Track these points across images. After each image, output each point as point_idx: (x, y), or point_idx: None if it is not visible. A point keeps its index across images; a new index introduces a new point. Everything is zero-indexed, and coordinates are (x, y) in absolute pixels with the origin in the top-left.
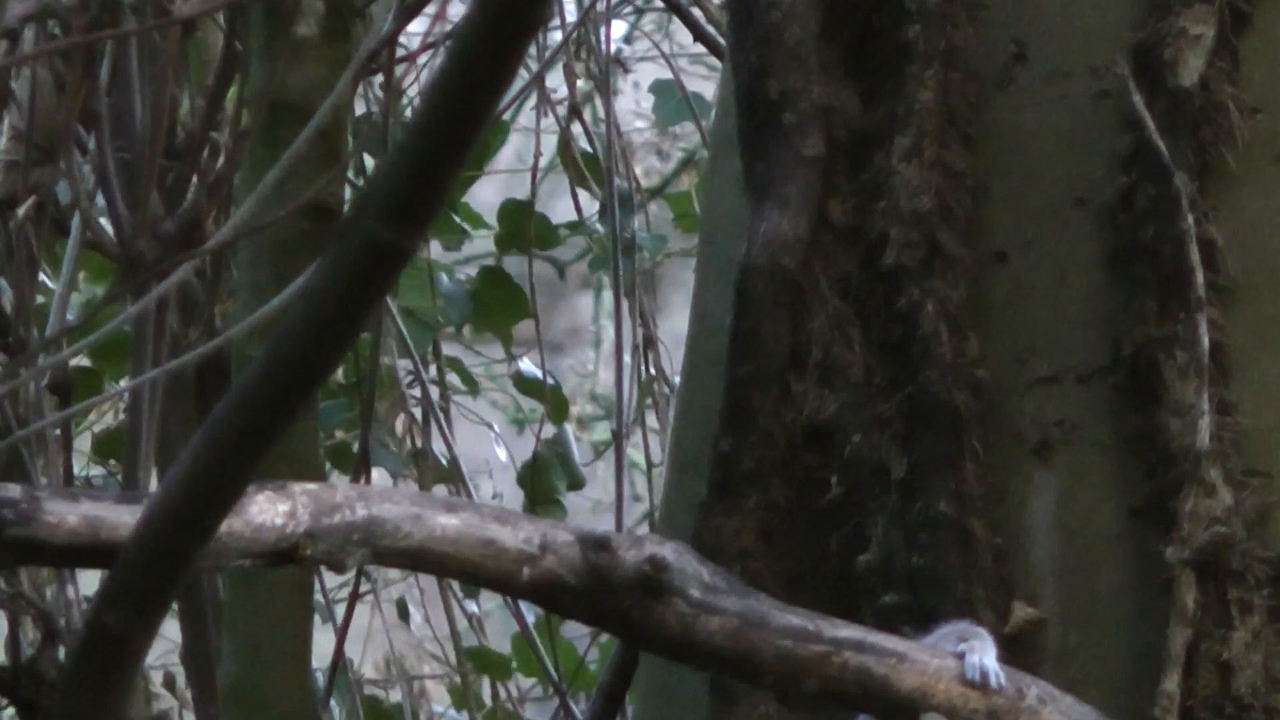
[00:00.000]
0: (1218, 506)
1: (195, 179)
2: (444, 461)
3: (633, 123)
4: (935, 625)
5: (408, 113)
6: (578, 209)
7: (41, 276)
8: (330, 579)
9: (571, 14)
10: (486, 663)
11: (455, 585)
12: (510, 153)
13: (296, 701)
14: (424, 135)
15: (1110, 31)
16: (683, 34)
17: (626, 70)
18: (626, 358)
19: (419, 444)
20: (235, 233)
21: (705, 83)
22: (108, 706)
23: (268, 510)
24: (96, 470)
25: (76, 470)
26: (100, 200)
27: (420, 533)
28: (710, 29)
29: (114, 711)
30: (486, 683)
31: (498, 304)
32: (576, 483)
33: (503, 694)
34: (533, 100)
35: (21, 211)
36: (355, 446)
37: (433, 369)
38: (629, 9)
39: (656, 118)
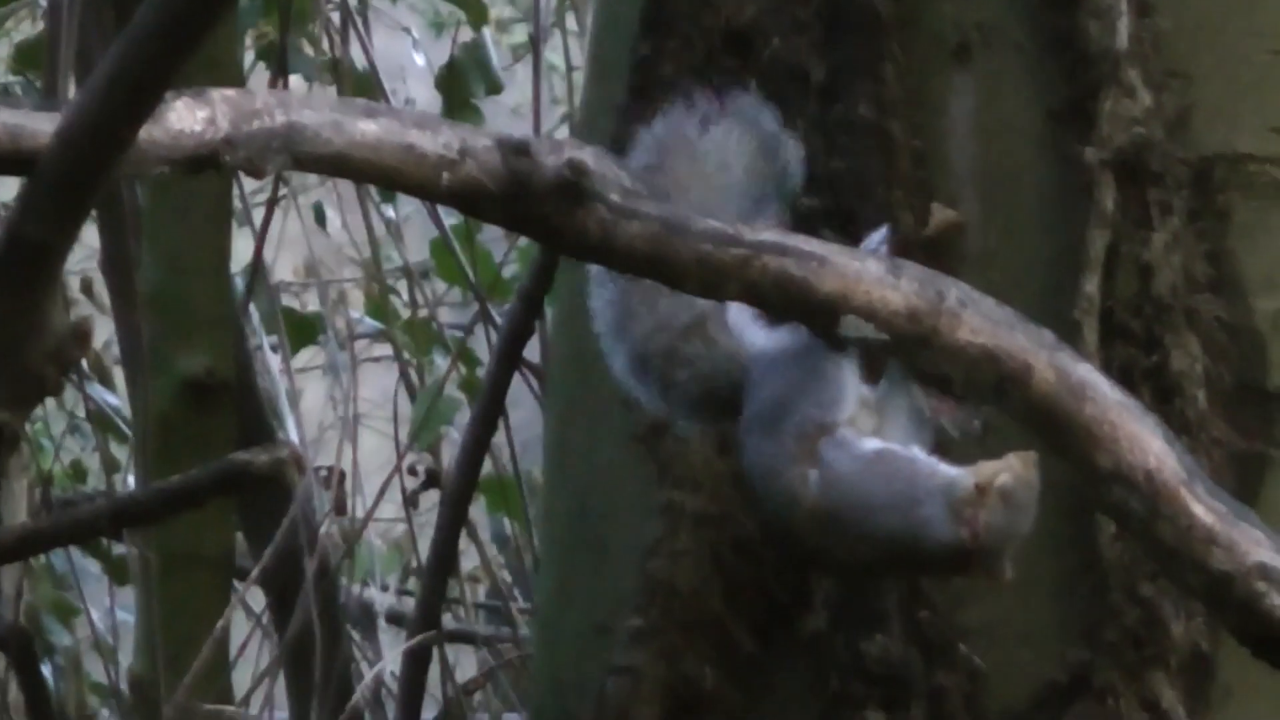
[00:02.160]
0: (1137, 108)
1: None
2: (361, 68)
3: None
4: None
5: None
6: None
7: None
8: (248, 183)
9: None
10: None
11: (374, 190)
12: None
13: (216, 308)
14: None
15: None
16: None
17: None
18: None
19: (337, 51)
20: None
21: None
22: (28, 314)
23: (186, 117)
24: (15, 79)
25: None
26: None
27: (340, 139)
28: None
29: (34, 319)
30: (404, 288)
31: None
32: (494, 87)
33: (420, 299)
34: None
35: None
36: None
37: None
38: None
39: None
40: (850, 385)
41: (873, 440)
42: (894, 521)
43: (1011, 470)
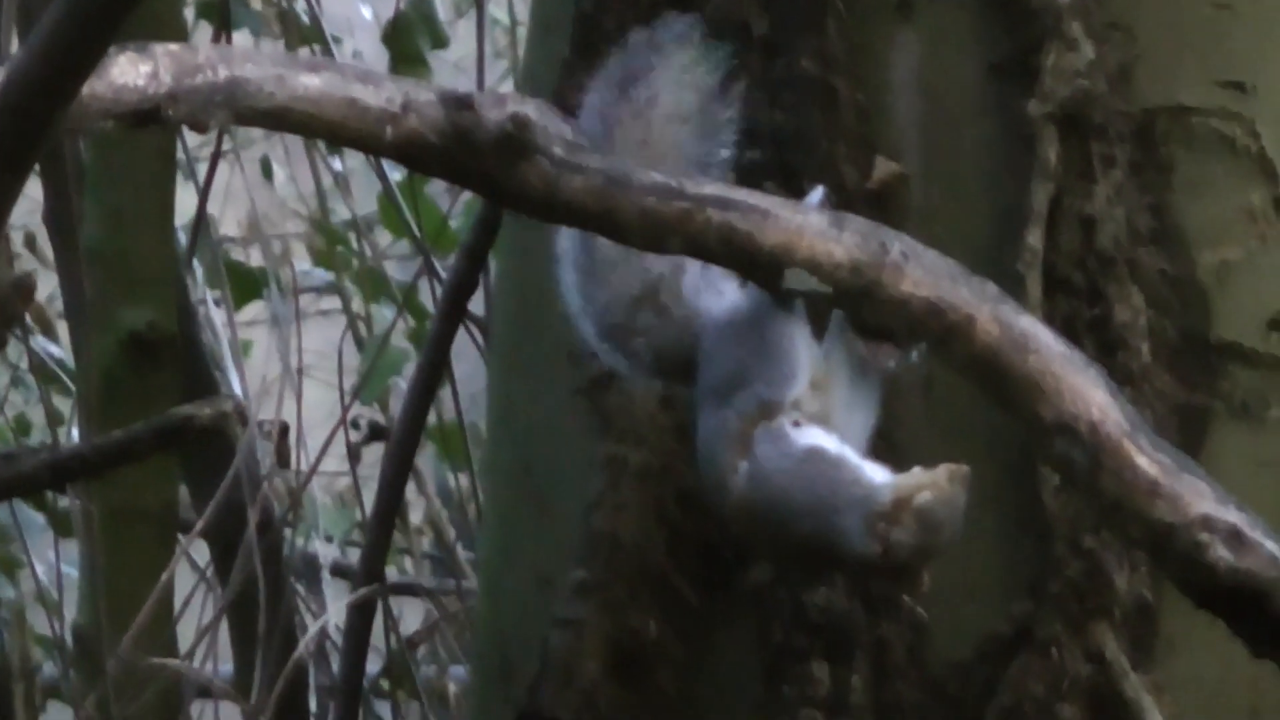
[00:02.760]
0: (1079, 61)
1: None
2: (306, 20)
3: None
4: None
5: None
6: None
7: None
8: (193, 138)
9: None
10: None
11: (321, 143)
12: None
13: (159, 263)
14: None
15: None
16: None
17: None
18: None
19: (282, 3)
20: None
21: None
22: None
23: (129, 72)
24: None
25: None
26: None
27: (283, 93)
28: None
29: None
30: (351, 241)
31: None
32: (440, 41)
33: (366, 252)
34: None
35: None
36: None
37: None
38: None
39: None
40: (802, 360)
41: (809, 433)
42: (812, 527)
43: (935, 487)
